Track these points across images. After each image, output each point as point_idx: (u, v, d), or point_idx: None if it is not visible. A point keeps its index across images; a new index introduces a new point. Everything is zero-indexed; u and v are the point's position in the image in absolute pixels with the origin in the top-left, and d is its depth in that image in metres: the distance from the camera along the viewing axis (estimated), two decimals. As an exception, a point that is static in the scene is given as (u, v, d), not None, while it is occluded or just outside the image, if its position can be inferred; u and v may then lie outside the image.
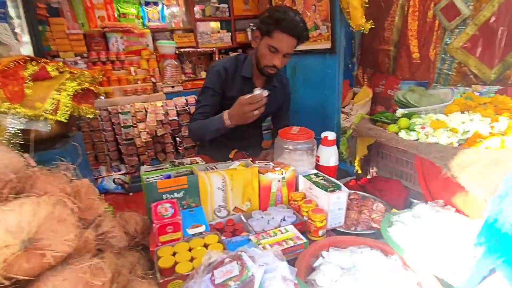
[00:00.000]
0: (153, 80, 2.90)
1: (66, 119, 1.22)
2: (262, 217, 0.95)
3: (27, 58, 1.21)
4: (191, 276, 0.62)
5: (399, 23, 2.30)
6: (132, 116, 2.68)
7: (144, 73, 2.96)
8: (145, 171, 0.98)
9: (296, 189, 1.07)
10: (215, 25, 3.64)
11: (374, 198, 1.09)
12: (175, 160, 1.12)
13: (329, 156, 1.13)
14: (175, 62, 2.96)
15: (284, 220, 0.94)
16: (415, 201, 0.99)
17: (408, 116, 1.16)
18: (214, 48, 3.51)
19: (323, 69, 2.05)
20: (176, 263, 0.70)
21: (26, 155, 0.61)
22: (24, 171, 0.56)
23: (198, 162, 1.09)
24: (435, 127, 1.00)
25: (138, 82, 2.86)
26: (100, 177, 2.74)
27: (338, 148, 1.28)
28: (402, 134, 1.07)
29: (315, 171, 1.09)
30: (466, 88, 1.66)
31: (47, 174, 0.59)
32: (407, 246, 0.75)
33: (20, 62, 1.17)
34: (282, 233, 0.84)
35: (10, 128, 1.09)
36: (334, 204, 0.91)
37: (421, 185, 1.03)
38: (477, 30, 1.76)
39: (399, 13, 2.27)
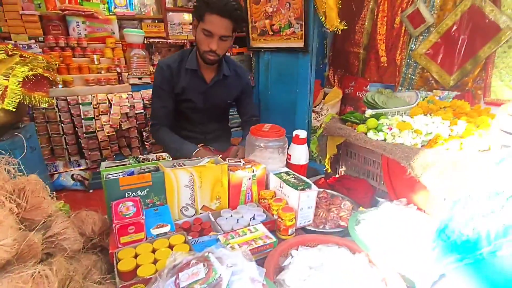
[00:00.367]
0: (118, 70, 2.72)
1: (14, 107, 1.10)
2: (231, 216, 0.92)
3: (-31, 37, 1.07)
4: (154, 280, 0.58)
5: (368, 27, 2.38)
6: (94, 108, 2.50)
7: (109, 62, 2.77)
8: (106, 167, 0.91)
9: (267, 187, 1.06)
10: (188, 16, 3.52)
11: (342, 197, 1.11)
12: (140, 156, 1.06)
13: (300, 155, 1.13)
14: (143, 52, 2.81)
15: (254, 218, 0.92)
16: (380, 199, 1.02)
17: (376, 116, 1.19)
18: (185, 40, 3.40)
19: (296, 68, 2.05)
20: (137, 266, 0.66)
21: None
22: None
23: (164, 158, 1.03)
24: (401, 129, 1.04)
25: (102, 71, 2.67)
26: (57, 173, 2.53)
27: (309, 146, 1.29)
28: (371, 134, 1.09)
29: (285, 169, 1.08)
30: (428, 92, 1.76)
31: (-16, 169, 0.51)
32: (372, 244, 0.77)
33: (-41, 41, 1.03)
34: (251, 232, 0.82)
35: None
36: (304, 203, 0.91)
37: (386, 184, 1.06)
38: (439, 38, 1.87)
39: (369, 17, 2.36)
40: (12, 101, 1.10)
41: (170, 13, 3.39)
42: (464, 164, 0.84)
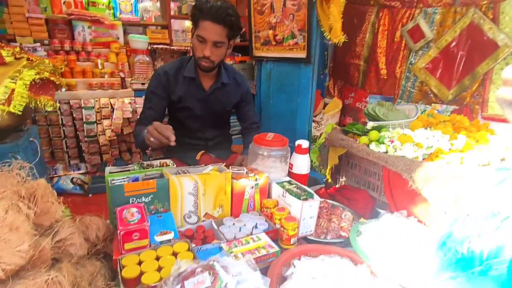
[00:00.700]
0: (122, 75, 2.74)
1: (20, 110, 1.11)
2: (234, 224, 0.93)
3: (-22, 40, 1.09)
4: (159, 288, 0.58)
5: (369, 39, 2.43)
6: (97, 112, 2.51)
7: (112, 67, 2.79)
8: (110, 172, 0.92)
9: (269, 196, 1.07)
10: (191, 24, 3.56)
11: (343, 207, 1.12)
12: (144, 162, 1.07)
13: (303, 164, 1.15)
14: (147, 58, 2.84)
15: (256, 227, 0.92)
16: (381, 211, 1.03)
17: (378, 129, 1.21)
18: (188, 47, 3.43)
19: (298, 78, 2.08)
20: (142, 273, 0.66)
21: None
22: (-31, 169, 0.49)
23: (168, 165, 1.04)
24: (403, 141, 1.06)
25: (105, 76, 2.69)
26: (56, 176, 2.52)
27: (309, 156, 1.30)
28: (373, 146, 1.11)
29: (288, 179, 1.09)
30: (427, 105, 1.79)
31: (-3, 173, 0.52)
32: (374, 255, 0.77)
33: (-31, 43, 1.05)
34: (254, 241, 0.82)
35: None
36: (306, 212, 0.92)
37: (387, 195, 1.07)
38: (438, 53, 1.91)
39: (370, 30, 2.40)
40: (18, 104, 1.11)
41: (174, 20, 3.44)
42: (465, 178, 0.85)
